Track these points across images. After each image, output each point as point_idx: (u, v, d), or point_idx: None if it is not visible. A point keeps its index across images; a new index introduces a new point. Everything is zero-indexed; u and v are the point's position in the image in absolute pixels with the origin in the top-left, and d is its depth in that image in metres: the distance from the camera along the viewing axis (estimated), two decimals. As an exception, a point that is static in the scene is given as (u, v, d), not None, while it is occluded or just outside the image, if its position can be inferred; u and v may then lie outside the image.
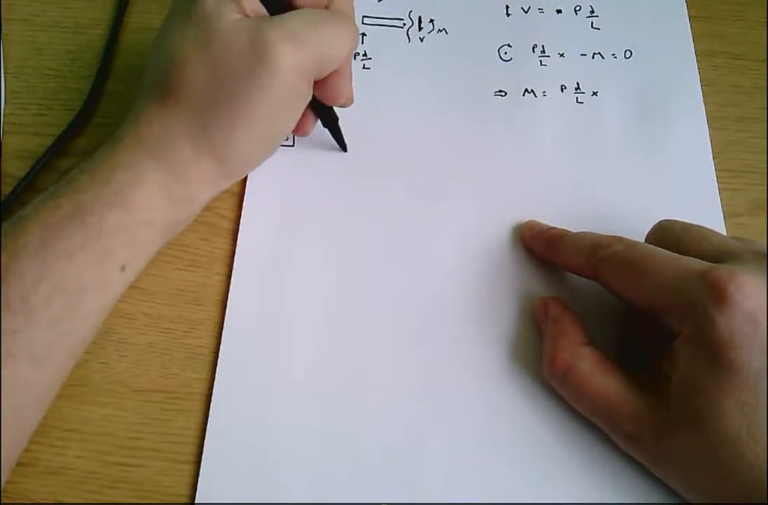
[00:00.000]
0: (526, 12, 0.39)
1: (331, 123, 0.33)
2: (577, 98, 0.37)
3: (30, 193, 0.33)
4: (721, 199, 0.34)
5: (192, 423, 0.29)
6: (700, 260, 0.26)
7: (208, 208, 0.30)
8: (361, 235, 0.33)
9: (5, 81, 0.36)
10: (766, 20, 0.40)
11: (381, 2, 0.39)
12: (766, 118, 0.37)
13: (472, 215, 0.34)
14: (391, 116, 0.36)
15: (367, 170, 0.34)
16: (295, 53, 0.27)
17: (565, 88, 0.37)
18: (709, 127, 0.36)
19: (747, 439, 0.23)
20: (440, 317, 0.31)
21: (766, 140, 0.36)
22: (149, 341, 0.31)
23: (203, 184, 0.29)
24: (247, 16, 0.27)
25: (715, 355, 0.24)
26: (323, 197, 0.34)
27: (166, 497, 0.28)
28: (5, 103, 0.36)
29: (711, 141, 0.36)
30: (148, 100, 0.28)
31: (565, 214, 0.33)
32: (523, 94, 0.37)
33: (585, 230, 0.31)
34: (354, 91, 0.32)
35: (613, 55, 0.38)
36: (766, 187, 0.35)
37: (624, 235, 0.28)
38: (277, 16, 0.28)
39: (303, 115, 0.30)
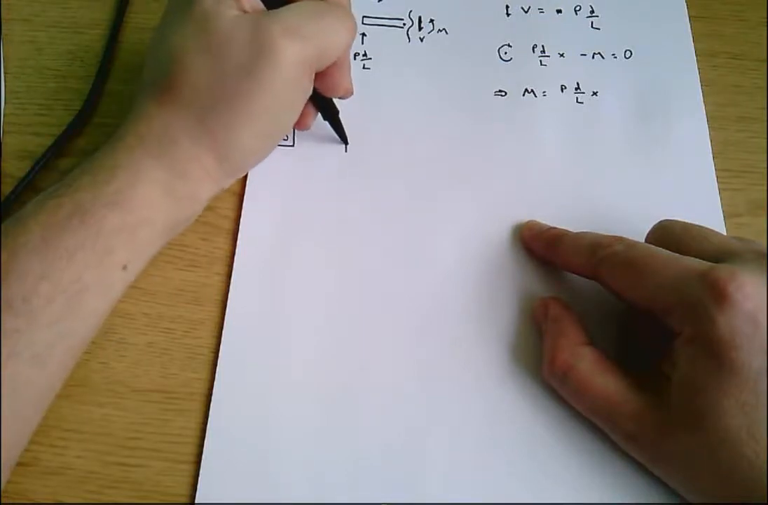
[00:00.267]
0: (526, 12, 0.39)
1: (332, 116, 0.33)
2: (577, 98, 0.37)
3: (30, 193, 0.33)
4: (721, 199, 0.34)
5: (192, 423, 0.29)
6: (700, 260, 0.26)
7: (208, 208, 0.30)
8: (361, 235, 0.33)
9: (5, 81, 0.36)
10: (766, 20, 0.40)
11: (381, 2, 0.39)
12: (766, 118, 0.37)
13: (472, 215, 0.33)
14: (391, 116, 0.36)
15: (367, 170, 0.34)
16: (296, 48, 0.27)
17: (565, 88, 0.37)
18: (709, 127, 0.36)
19: (747, 439, 0.23)
20: (440, 317, 0.31)
21: (766, 140, 0.36)
22: (149, 340, 0.31)
23: (204, 181, 0.28)
24: (245, 11, 0.27)
25: (715, 355, 0.24)
26: (323, 197, 0.34)
27: (166, 497, 0.28)
28: (5, 103, 0.36)
29: (711, 141, 0.36)
30: (148, 98, 0.28)
31: (565, 214, 0.33)
32: (523, 94, 0.37)
33: (585, 230, 0.31)
34: (354, 91, 0.32)
35: (613, 55, 0.38)
36: (766, 187, 0.35)
37: (624, 235, 0.28)
38: (276, 11, 0.27)
39: (303, 109, 0.30)
